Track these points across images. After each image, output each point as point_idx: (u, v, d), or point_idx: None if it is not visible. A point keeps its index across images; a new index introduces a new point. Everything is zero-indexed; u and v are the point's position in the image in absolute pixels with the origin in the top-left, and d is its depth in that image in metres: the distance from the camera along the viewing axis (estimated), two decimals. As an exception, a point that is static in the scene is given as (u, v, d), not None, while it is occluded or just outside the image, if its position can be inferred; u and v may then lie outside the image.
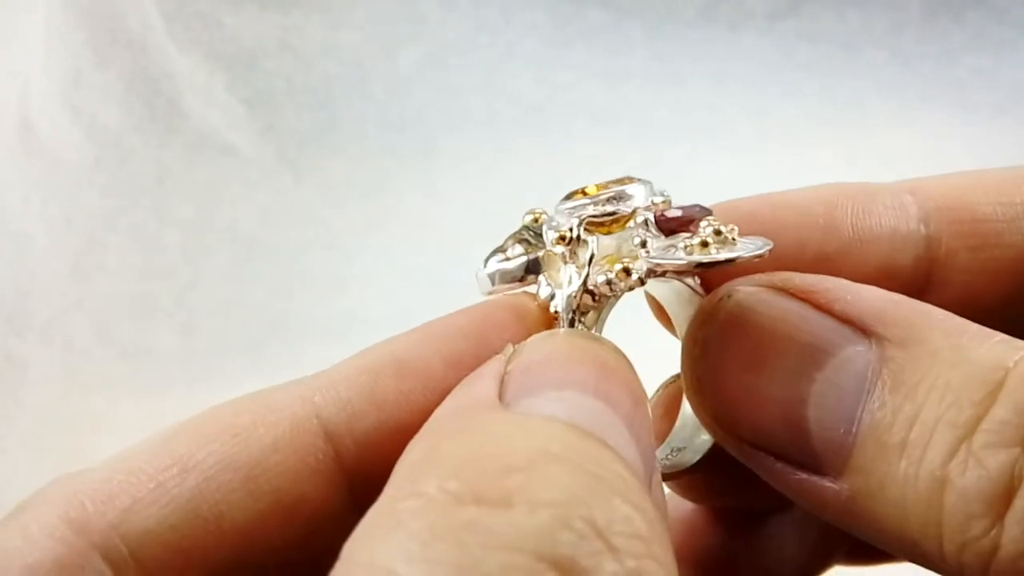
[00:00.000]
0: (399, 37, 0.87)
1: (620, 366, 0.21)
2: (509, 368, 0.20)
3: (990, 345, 0.20)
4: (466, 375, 0.21)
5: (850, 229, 0.25)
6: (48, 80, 0.83)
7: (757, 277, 0.23)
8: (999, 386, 0.19)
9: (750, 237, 0.23)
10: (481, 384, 0.20)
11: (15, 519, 0.20)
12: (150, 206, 0.80)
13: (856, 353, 0.21)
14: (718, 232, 0.22)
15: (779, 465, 0.22)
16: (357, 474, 0.21)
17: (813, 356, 0.21)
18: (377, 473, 0.20)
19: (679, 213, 0.23)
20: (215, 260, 0.77)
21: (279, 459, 0.21)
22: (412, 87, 0.86)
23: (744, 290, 0.23)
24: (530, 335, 0.22)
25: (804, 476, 0.21)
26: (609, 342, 0.22)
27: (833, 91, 0.87)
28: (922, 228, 0.25)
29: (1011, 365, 0.19)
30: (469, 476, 0.16)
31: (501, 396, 0.19)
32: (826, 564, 0.32)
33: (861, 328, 0.21)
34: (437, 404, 0.20)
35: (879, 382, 0.20)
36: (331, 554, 0.17)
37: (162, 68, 0.84)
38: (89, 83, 0.83)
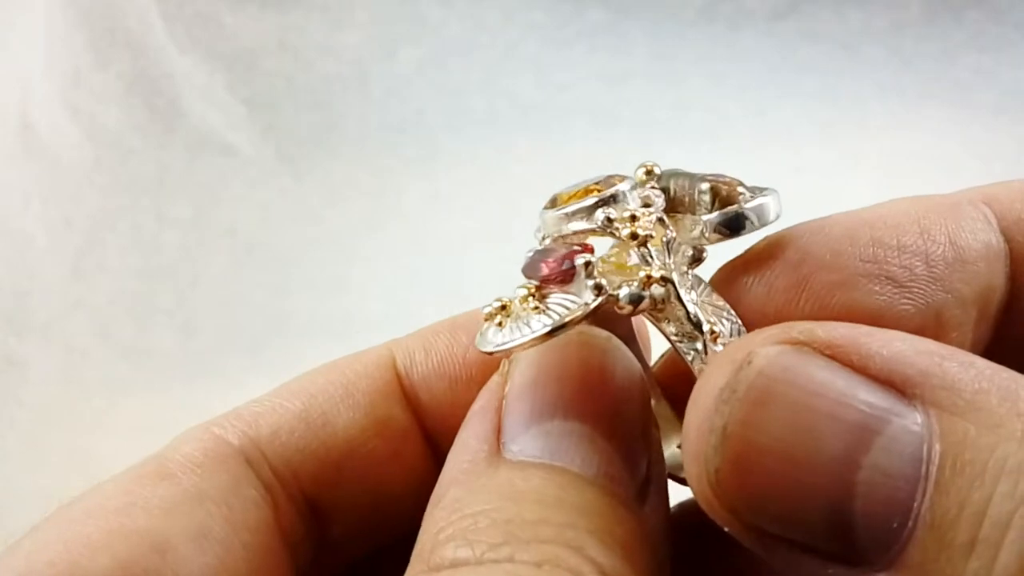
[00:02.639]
0: (399, 37, 0.87)
1: (611, 369, 0.22)
2: (505, 400, 0.22)
3: None
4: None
5: (951, 248, 0.22)
6: (48, 80, 0.83)
7: (774, 332, 0.20)
8: None
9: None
10: (482, 426, 0.22)
11: (166, 446, 0.24)
12: (150, 206, 0.80)
13: (905, 428, 0.18)
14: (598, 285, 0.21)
15: (808, 557, 0.19)
16: (421, 410, 0.26)
17: (858, 437, 0.18)
18: (434, 411, 0.26)
19: (547, 268, 0.21)
20: (215, 260, 0.77)
21: (368, 382, 0.26)
22: (412, 87, 0.86)
23: (766, 353, 0.19)
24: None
25: (839, 571, 0.19)
26: (603, 338, 0.23)
27: (833, 91, 0.87)
28: (1004, 244, 0.23)
29: None
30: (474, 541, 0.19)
31: (500, 435, 0.22)
32: None
33: (904, 391, 0.18)
34: (472, 356, 0.25)
35: (938, 463, 0.17)
36: (415, 485, 0.25)
37: (162, 68, 0.84)
38: (89, 83, 0.83)
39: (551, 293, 0.21)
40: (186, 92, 0.84)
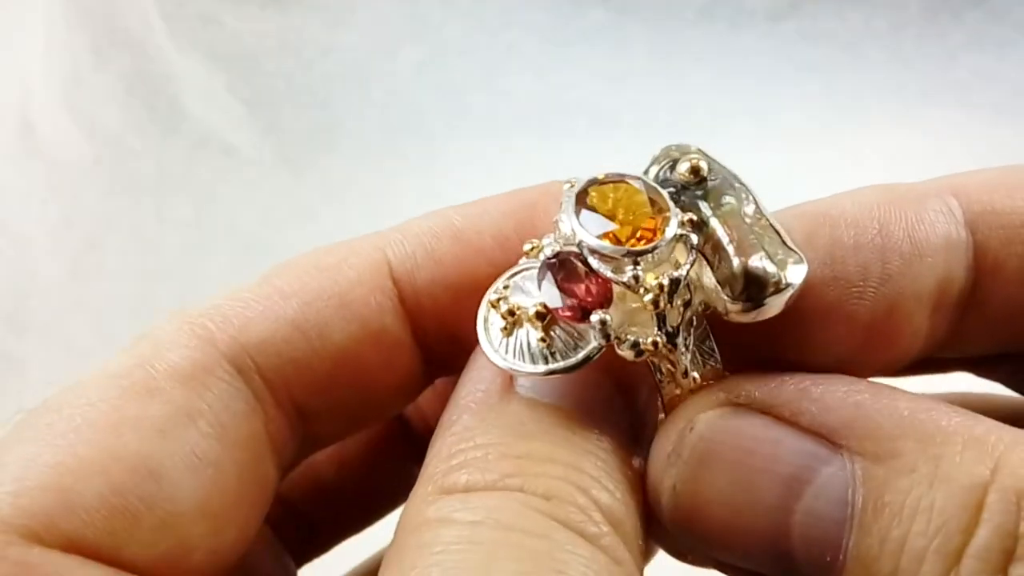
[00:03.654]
0: (399, 37, 0.87)
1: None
2: None
3: (965, 456, 0.19)
4: (507, 250, 0.25)
5: (908, 243, 0.23)
6: (48, 80, 0.83)
7: (716, 396, 0.22)
8: (980, 506, 0.19)
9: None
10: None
11: (143, 339, 0.23)
12: (150, 206, 0.80)
13: (832, 475, 0.20)
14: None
15: None
16: (417, 318, 0.25)
17: (791, 487, 0.21)
18: (430, 320, 0.25)
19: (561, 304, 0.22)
20: (215, 260, 0.77)
21: (363, 291, 0.25)
22: (412, 87, 0.86)
23: (706, 418, 0.22)
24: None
25: None
26: None
27: (833, 91, 0.87)
28: (968, 235, 0.24)
29: (988, 477, 0.19)
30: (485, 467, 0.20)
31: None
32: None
33: (832, 440, 0.21)
34: (481, 271, 0.25)
35: (861, 505, 0.20)
36: (404, 389, 0.25)
37: (162, 68, 0.84)
38: (89, 83, 0.83)
39: (559, 319, 0.22)
40: (186, 92, 0.84)
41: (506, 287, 0.23)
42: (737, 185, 0.23)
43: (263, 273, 0.25)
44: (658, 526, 0.23)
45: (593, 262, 0.22)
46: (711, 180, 0.23)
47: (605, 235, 0.22)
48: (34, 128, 0.82)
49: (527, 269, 0.23)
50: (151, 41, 0.83)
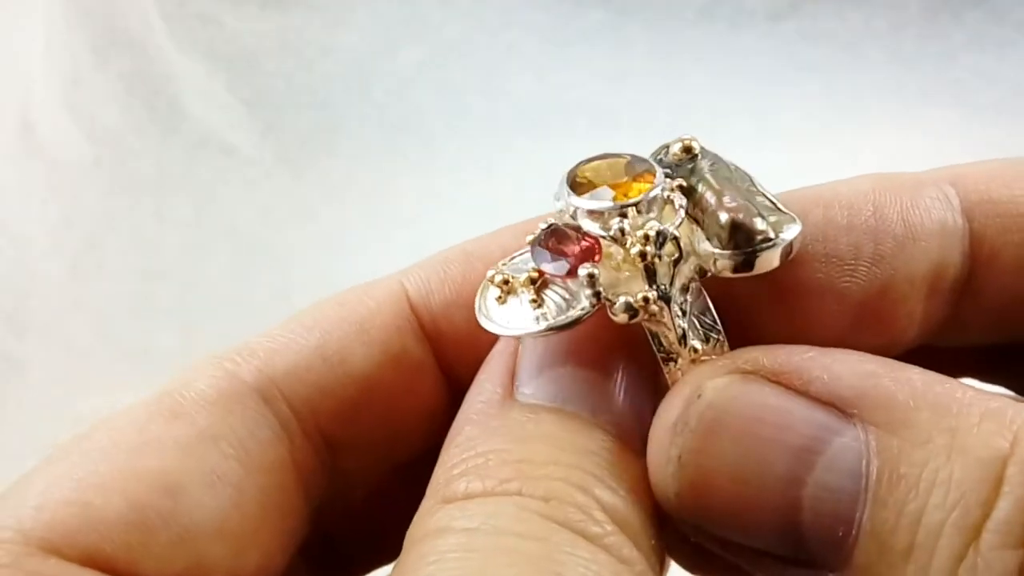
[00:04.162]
0: (399, 37, 0.87)
1: (619, 333, 0.23)
2: (521, 345, 0.23)
3: (983, 427, 0.19)
4: None
5: (901, 226, 0.23)
6: (48, 80, 0.83)
7: (723, 363, 0.22)
8: (999, 479, 0.18)
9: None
10: (498, 369, 0.23)
11: (176, 380, 0.24)
12: (150, 206, 0.80)
13: (845, 446, 0.20)
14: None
15: (769, 560, 0.21)
16: (437, 339, 0.26)
17: (802, 457, 0.20)
18: (449, 341, 0.25)
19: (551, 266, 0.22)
20: (215, 260, 0.77)
21: (382, 319, 0.25)
22: (412, 87, 0.86)
23: (714, 386, 0.21)
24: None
25: (798, 572, 0.20)
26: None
27: (833, 91, 0.87)
28: (965, 223, 0.24)
29: (1008, 449, 0.18)
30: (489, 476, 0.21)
31: (515, 379, 0.23)
32: None
33: (844, 410, 0.20)
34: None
35: (875, 477, 0.19)
36: (429, 415, 0.25)
37: (162, 68, 0.84)
38: (89, 83, 0.83)
39: (553, 282, 0.23)
40: (186, 92, 0.84)
41: (504, 265, 0.24)
42: (732, 166, 0.23)
43: (286, 317, 0.26)
44: (665, 531, 0.22)
45: (583, 223, 0.22)
46: (703, 158, 0.23)
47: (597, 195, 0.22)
48: (34, 128, 0.82)
49: (523, 253, 0.24)
50: (151, 41, 0.83)
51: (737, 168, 0.23)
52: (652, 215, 0.22)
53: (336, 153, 0.83)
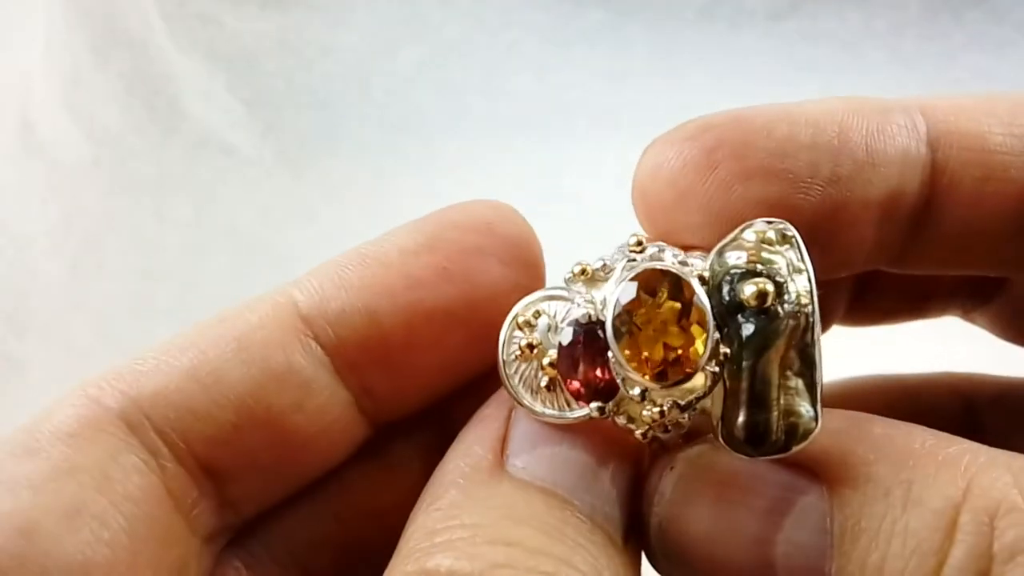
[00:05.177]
0: (399, 37, 0.87)
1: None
2: (515, 413, 0.23)
3: (938, 477, 0.19)
4: (417, 263, 0.24)
5: (863, 151, 0.23)
6: (48, 80, 0.83)
7: (697, 441, 0.22)
8: (953, 527, 0.19)
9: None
10: (488, 433, 0.23)
11: (38, 414, 0.23)
12: (150, 206, 0.80)
13: (810, 504, 0.21)
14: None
15: None
16: (335, 349, 0.24)
17: (770, 519, 0.21)
18: (350, 349, 0.24)
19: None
20: (215, 260, 0.77)
21: (264, 333, 0.24)
22: (412, 87, 0.86)
23: (685, 456, 0.22)
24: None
25: None
26: None
27: (833, 91, 0.86)
28: (928, 152, 0.24)
29: (960, 497, 0.19)
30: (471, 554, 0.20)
31: (505, 447, 0.22)
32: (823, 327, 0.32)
33: (808, 471, 0.21)
34: (395, 284, 0.24)
35: (839, 533, 0.20)
36: (331, 435, 0.23)
37: (162, 68, 0.84)
38: (89, 83, 0.83)
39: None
40: (186, 92, 0.84)
41: (536, 314, 0.23)
42: (801, 321, 0.21)
43: (169, 335, 0.24)
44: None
45: (611, 358, 0.22)
46: (775, 308, 0.21)
47: (632, 357, 0.21)
48: (34, 128, 0.82)
49: (559, 296, 0.23)
50: (151, 41, 0.83)
51: (807, 321, 0.21)
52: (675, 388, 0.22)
53: (336, 153, 0.83)
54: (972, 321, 0.33)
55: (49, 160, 0.81)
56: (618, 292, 0.22)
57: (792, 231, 0.22)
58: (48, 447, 0.22)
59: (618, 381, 0.22)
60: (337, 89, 0.86)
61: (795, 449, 0.21)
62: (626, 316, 0.21)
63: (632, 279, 0.22)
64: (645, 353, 0.21)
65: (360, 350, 0.24)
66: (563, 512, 0.21)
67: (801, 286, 0.21)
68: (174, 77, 0.84)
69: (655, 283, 0.21)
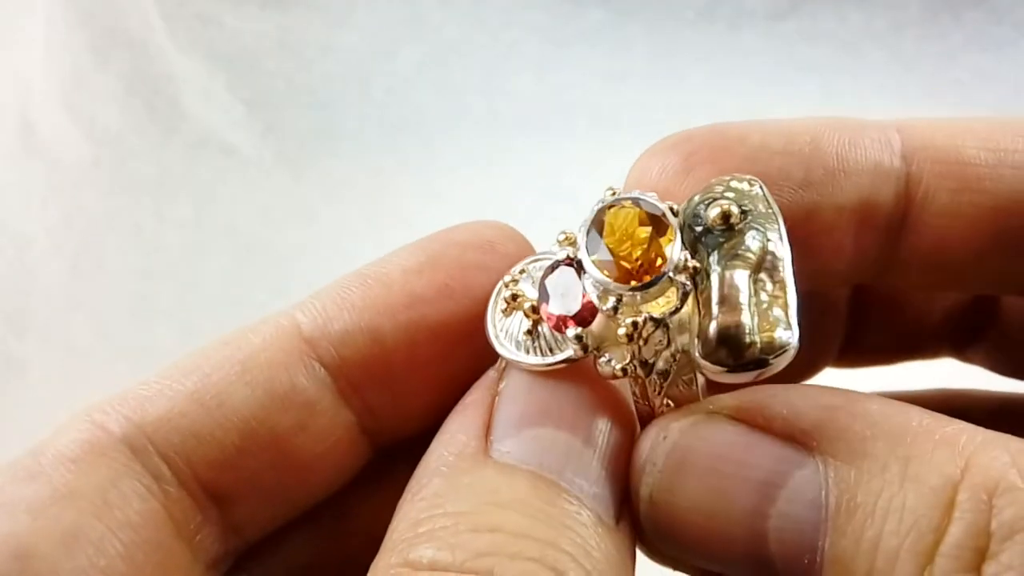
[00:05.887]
0: (399, 37, 0.87)
1: (601, 396, 0.23)
2: (499, 397, 0.23)
3: (936, 455, 0.19)
4: (419, 281, 0.24)
5: (835, 159, 0.24)
6: (48, 80, 0.83)
7: (689, 407, 0.22)
8: (951, 505, 0.19)
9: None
10: (472, 421, 0.22)
11: (44, 438, 0.23)
12: (150, 206, 0.80)
13: (805, 478, 0.20)
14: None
15: None
16: (338, 369, 0.24)
17: (765, 492, 0.21)
18: (353, 369, 0.24)
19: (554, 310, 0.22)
20: (215, 260, 0.77)
21: (268, 355, 0.24)
22: (412, 87, 0.86)
23: (679, 427, 0.22)
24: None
25: None
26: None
27: (833, 91, 0.86)
28: (903, 165, 0.25)
29: (959, 476, 0.19)
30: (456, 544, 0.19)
31: (489, 433, 0.22)
32: (817, 368, 0.33)
33: (804, 444, 0.21)
34: (397, 302, 0.24)
35: (835, 507, 0.20)
36: (334, 457, 0.23)
37: (162, 68, 0.84)
38: (89, 83, 0.83)
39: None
40: (186, 92, 0.84)
41: (522, 271, 0.24)
42: (769, 238, 0.22)
43: (173, 360, 0.24)
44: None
45: (585, 283, 0.22)
46: (740, 227, 0.22)
47: (604, 263, 0.22)
48: (34, 128, 0.82)
49: (544, 258, 0.24)
50: (151, 41, 0.83)
51: (773, 238, 0.22)
52: (655, 295, 0.22)
53: (336, 153, 0.83)
54: (969, 361, 0.33)
55: (49, 160, 0.81)
56: (592, 214, 0.23)
57: (757, 179, 0.23)
58: (50, 472, 0.22)
59: (593, 299, 0.22)
60: (337, 89, 0.86)
61: (774, 362, 0.21)
62: (597, 234, 0.22)
63: (606, 207, 0.23)
64: (619, 263, 0.22)
65: (363, 369, 0.24)
66: (549, 494, 0.21)
67: (765, 209, 0.22)
68: (174, 77, 0.84)
69: (626, 211, 0.23)
